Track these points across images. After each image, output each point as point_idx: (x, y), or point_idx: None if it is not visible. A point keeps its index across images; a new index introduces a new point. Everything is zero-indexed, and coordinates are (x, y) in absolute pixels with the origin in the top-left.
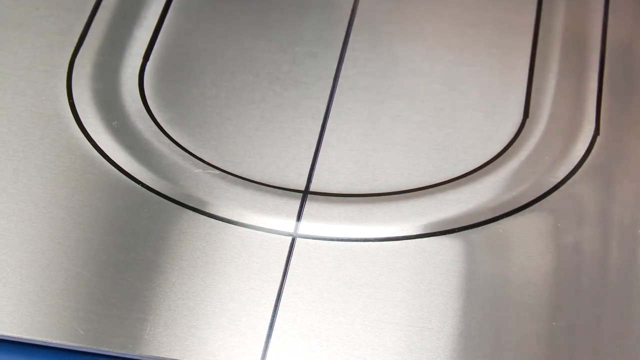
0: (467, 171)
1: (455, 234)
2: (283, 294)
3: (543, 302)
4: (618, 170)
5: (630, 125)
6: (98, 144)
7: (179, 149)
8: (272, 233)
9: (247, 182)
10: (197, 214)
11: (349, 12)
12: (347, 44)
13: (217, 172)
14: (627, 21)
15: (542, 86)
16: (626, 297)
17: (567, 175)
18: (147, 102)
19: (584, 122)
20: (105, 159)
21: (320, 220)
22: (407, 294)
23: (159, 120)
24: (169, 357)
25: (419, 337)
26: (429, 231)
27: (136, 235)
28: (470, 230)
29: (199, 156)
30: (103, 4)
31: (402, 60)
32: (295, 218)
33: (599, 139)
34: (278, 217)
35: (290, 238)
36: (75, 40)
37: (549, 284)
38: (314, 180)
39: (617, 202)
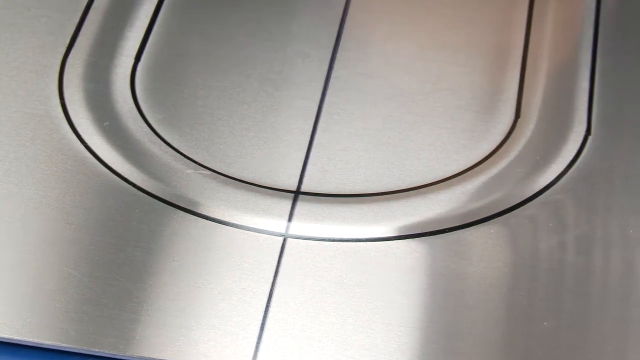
0: (458, 171)
1: (446, 234)
2: (274, 294)
3: (535, 302)
4: (610, 170)
5: (622, 124)
6: (89, 144)
7: (170, 149)
8: (263, 233)
9: (238, 182)
10: (188, 214)
11: (341, 12)
12: (339, 44)
13: (209, 172)
14: (619, 20)
15: (533, 86)
16: (621, 298)
17: (559, 175)
18: (138, 102)
19: (575, 122)
20: (97, 160)
21: (312, 221)
22: (398, 294)
23: (150, 120)
24: (161, 358)
25: (410, 338)
26: (420, 231)
27: (127, 236)
28: (461, 230)
29: (191, 157)
30: (94, 4)
31: (393, 60)
32: (286, 218)
33: (590, 138)
34: (269, 218)
35: (281, 238)
36: (67, 40)
37: (541, 284)
38: (305, 180)
39: (609, 202)
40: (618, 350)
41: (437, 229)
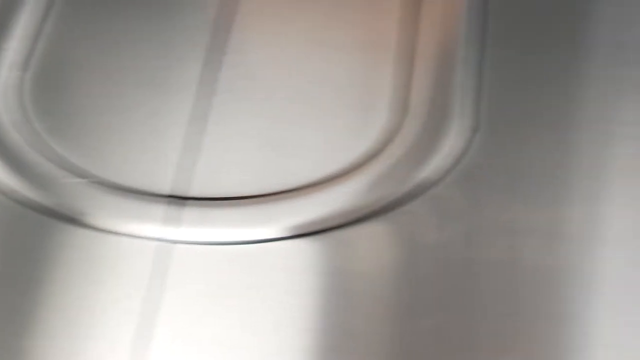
0: (345, 169)
1: (334, 232)
2: (163, 300)
3: (422, 298)
4: (496, 164)
5: (509, 119)
6: None
7: (55, 159)
8: (150, 240)
9: (125, 190)
10: (74, 224)
11: (227, 14)
12: (226, 46)
13: (95, 181)
14: (508, 13)
15: (421, 82)
16: (507, 292)
17: (446, 170)
18: (24, 112)
19: (463, 117)
20: None
21: (199, 225)
22: (288, 295)
23: (36, 130)
24: None
25: (301, 339)
26: (308, 231)
27: (13, 249)
28: (349, 228)
29: (78, 165)
30: None
31: (280, 61)
32: (173, 224)
33: (478, 134)
34: (156, 224)
35: (168, 244)
36: None
37: (429, 280)
38: (192, 184)
39: (496, 196)
40: (505, 343)
41: (324, 227)
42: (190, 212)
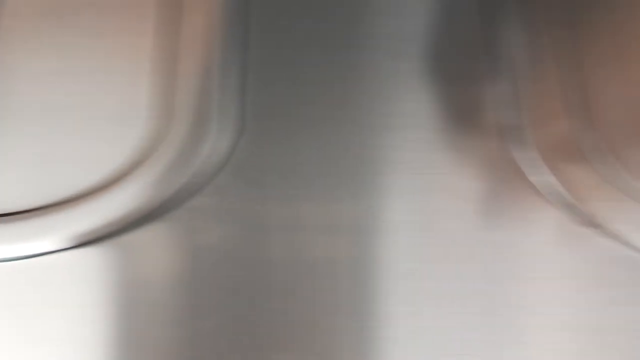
0: (111, 178)
1: (104, 242)
2: None
3: (200, 301)
4: (268, 164)
5: (280, 118)
6: None
7: None
8: None
9: None
10: None
11: None
12: None
13: None
14: (271, 12)
15: (183, 88)
16: (286, 289)
17: (212, 175)
18: None
19: (228, 121)
20: None
21: None
22: (63, 308)
23: None
24: None
25: (89, 351)
26: (84, 240)
27: None
28: (118, 238)
29: None
30: None
31: (42, 76)
32: None
33: (243, 136)
34: None
35: None
36: None
37: (204, 283)
38: None
39: (265, 194)
40: (291, 339)
41: (94, 237)
42: None
